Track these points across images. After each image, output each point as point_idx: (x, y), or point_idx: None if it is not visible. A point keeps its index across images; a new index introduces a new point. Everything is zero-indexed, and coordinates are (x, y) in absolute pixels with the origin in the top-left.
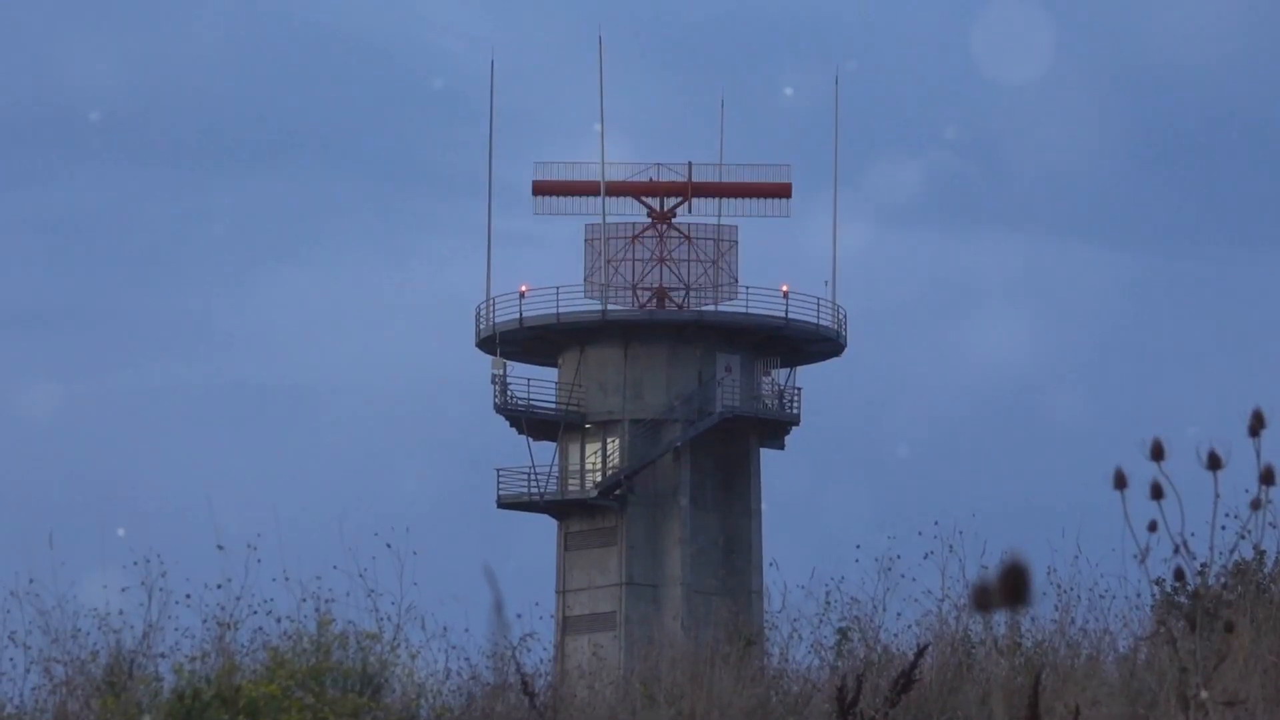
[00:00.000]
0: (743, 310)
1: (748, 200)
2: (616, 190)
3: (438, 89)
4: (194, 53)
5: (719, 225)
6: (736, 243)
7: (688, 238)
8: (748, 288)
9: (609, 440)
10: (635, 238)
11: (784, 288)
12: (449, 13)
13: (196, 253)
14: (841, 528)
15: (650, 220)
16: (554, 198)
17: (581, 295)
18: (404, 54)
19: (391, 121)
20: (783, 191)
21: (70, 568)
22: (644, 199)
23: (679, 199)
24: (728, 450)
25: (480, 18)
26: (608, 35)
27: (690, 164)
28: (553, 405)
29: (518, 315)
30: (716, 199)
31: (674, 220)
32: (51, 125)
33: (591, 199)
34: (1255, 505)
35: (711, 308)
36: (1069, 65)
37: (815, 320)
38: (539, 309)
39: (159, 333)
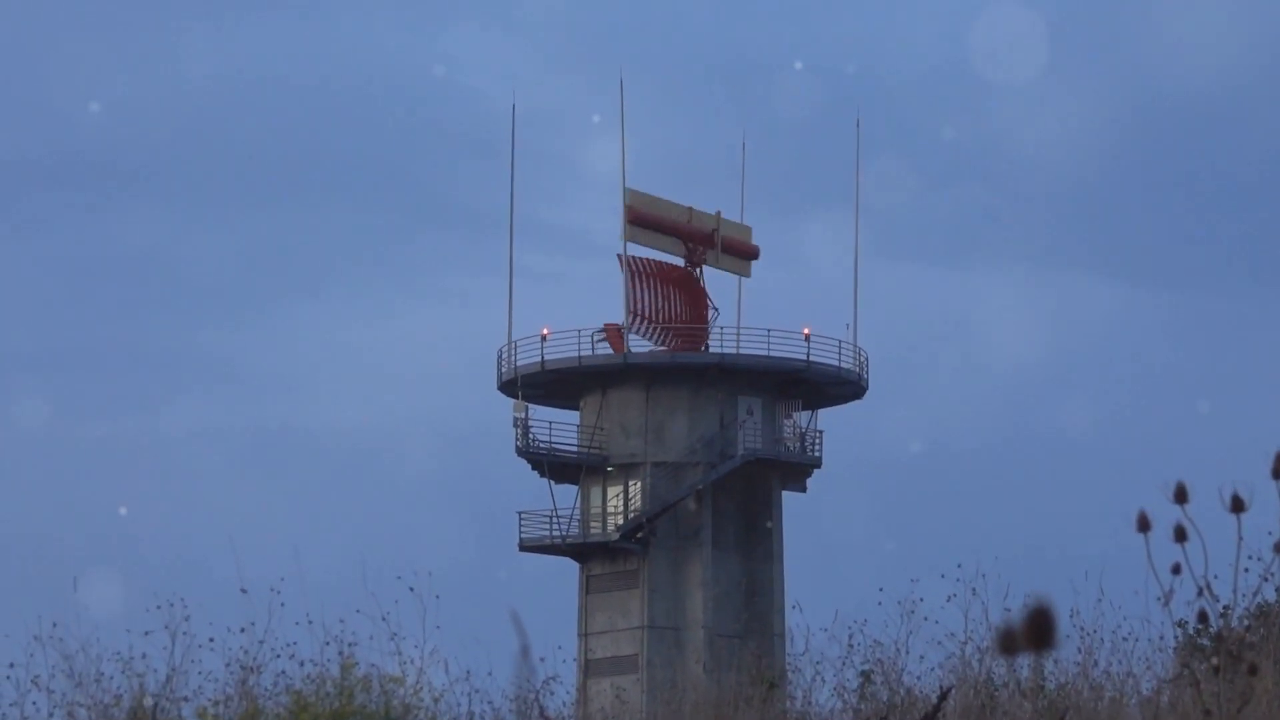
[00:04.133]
0: (764, 353)
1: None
2: (638, 221)
3: (465, 127)
4: (221, 90)
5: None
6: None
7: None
8: (770, 330)
9: (631, 483)
10: (670, 279)
11: (805, 330)
12: (476, 51)
13: (221, 292)
14: (864, 570)
15: (683, 265)
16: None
17: (603, 338)
18: (429, 91)
19: (418, 158)
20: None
21: (94, 612)
22: (689, 243)
23: (704, 249)
24: (750, 493)
25: (506, 55)
26: (628, 74)
27: (719, 213)
28: (574, 448)
29: (539, 358)
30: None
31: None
32: (79, 167)
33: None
34: (1279, 548)
35: (733, 351)
36: (1087, 102)
37: (837, 363)
38: (561, 352)
39: (181, 374)
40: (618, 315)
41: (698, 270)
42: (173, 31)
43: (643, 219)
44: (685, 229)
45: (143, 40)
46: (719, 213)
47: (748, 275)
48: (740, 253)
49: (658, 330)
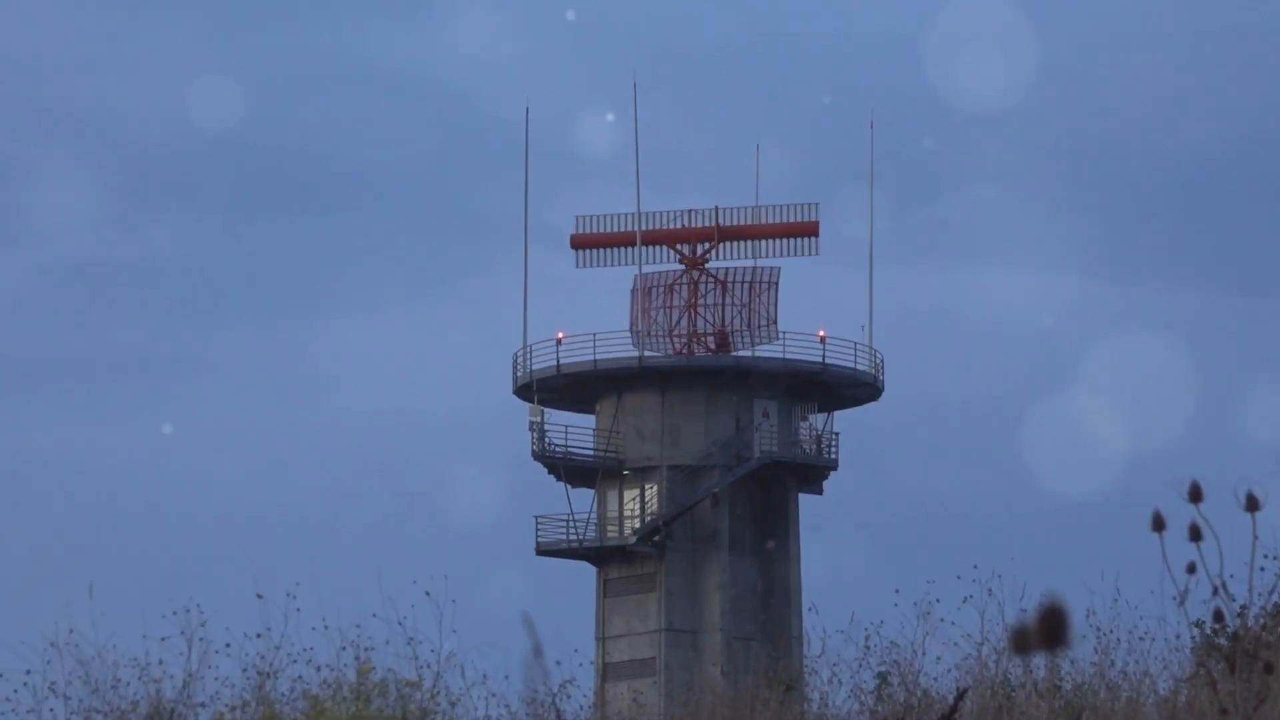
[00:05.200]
0: (780, 355)
1: (776, 241)
2: (651, 239)
3: (480, 130)
4: (234, 97)
5: (756, 268)
6: (776, 284)
7: (720, 282)
8: (785, 333)
9: (647, 486)
10: (670, 286)
11: (821, 333)
12: (490, 53)
13: (239, 297)
14: (880, 572)
15: (684, 267)
16: (593, 250)
17: (618, 341)
18: (442, 91)
19: (433, 162)
20: (810, 230)
21: (110, 618)
22: (676, 246)
23: (708, 244)
24: (766, 495)
25: (520, 59)
26: (642, 76)
27: (718, 208)
28: (590, 452)
29: (555, 362)
30: (746, 241)
31: (707, 265)
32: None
33: (629, 248)
34: None
35: (749, 353)
36: (1101, 114)
37: (853, 365)
38: (576, 355)
39: (198, 377)
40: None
41: (698, 272)
42: (188, 38)
43: (587, 241)
44: (680, 234)
45: (154, 46)
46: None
47: (817, 254)
48: (800, 233)
49: (660, 339)
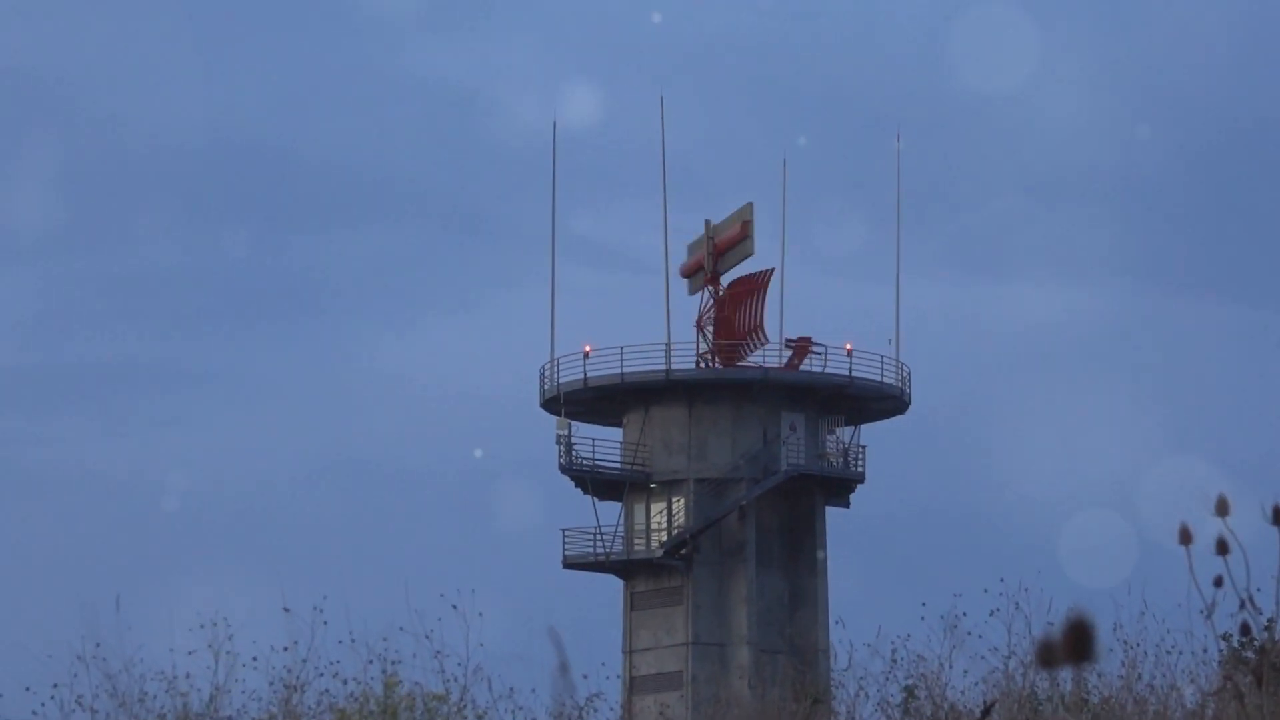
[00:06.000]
0: (806, 368)
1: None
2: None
3: (510, 142)
4: (258, 108)
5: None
6: (765, 286)
7: (754, 288)
8: (812, 345)
9: (674, 499)
10: (707, 309)
11: (848, 346)
12: (516, 65)
13: (265, 309)
14: (907, 585)
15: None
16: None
17: (645, 354)
18: (469, 106)
19: (459, 174)
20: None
21: (137, 631)
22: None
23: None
24: (793, 508)
25: (546, 70)
26: (668, 89)
27: (745, 222)
28: (617, 465)
29: (582, 375)
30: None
31: (729, 272)
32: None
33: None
34: None
35: (776, 365)
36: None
37: (879, 378)
38: (603, 369)
39: (223, 391)
40: (659, 332)
41: (714, 288)
42: (211, 46)
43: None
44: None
45: (178, 57)
46: (746, 209)
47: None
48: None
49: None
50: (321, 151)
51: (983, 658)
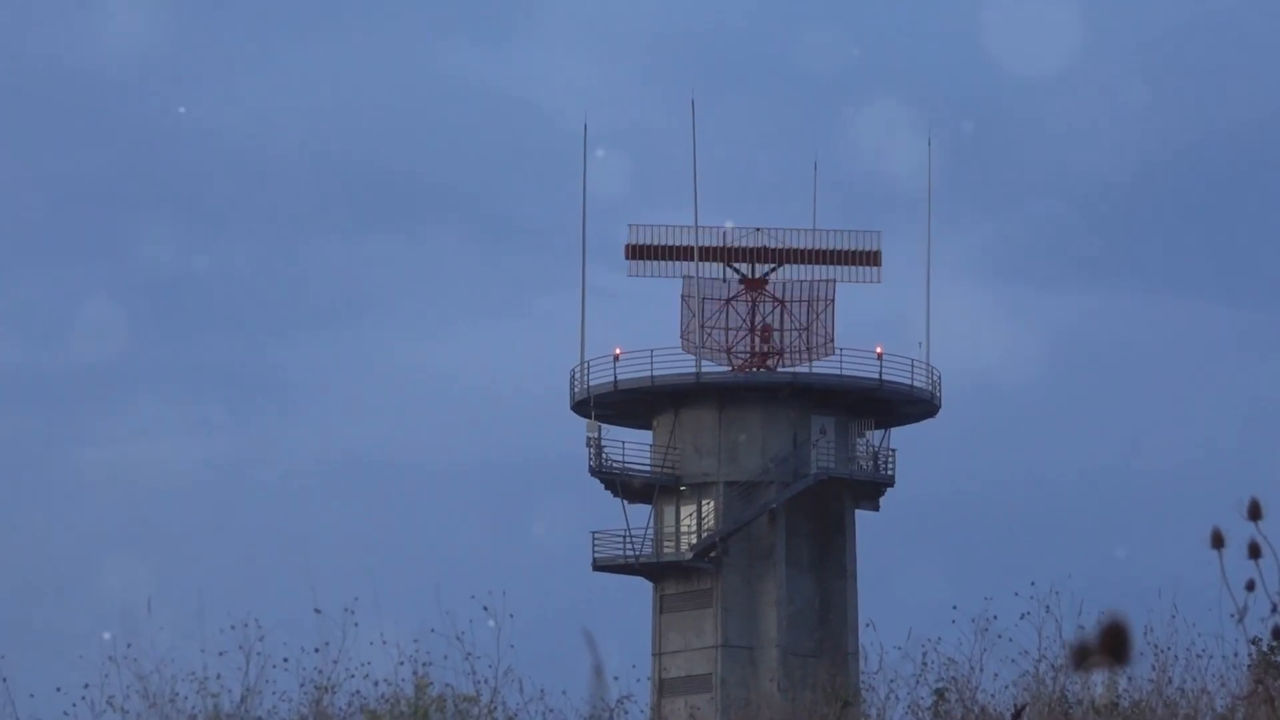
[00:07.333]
0: (837, 372)
1: (838, 268)
2: (710, 255)
3: (542, 145)
4: (289, 110)
5: (814, 283)
6: (833, 301)
7: (781, 302)
8: (842, 349)
9: (704, 502)
10: (729, 301)
11: (878, 349)
12: (547, 69)
13: (293, 312)
14: (937, 588)
15: (743, 286)
16: (649, 261)
17: (675, 357)
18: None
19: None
20: (873, 260)
21: (169, 633)
22: (735, 265)
23: (771, 266)
24: (823, 512)
25: (577, 73)
26: (700, 94)
27: (777, 230)
28: (647, 468)
29: (612, 378)
30: (808, 265)
31: (767, 285)
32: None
33: (686, 262)
34: None
35: (806, 369)
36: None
37: (909, 382)
38: (633, 371)
39: (253, 395)
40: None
41: (758, 291)
42: (250, 50)
43: (644, 252)
44: (740, 252)
45: (215, 60)
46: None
47: (878, 281)
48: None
49: (717, 354)
50: (359, 154)
51: (1013, 661)
